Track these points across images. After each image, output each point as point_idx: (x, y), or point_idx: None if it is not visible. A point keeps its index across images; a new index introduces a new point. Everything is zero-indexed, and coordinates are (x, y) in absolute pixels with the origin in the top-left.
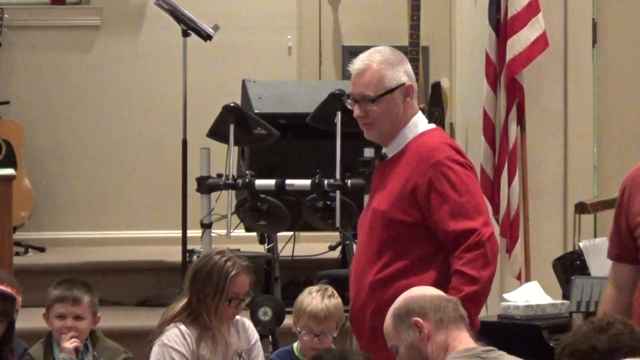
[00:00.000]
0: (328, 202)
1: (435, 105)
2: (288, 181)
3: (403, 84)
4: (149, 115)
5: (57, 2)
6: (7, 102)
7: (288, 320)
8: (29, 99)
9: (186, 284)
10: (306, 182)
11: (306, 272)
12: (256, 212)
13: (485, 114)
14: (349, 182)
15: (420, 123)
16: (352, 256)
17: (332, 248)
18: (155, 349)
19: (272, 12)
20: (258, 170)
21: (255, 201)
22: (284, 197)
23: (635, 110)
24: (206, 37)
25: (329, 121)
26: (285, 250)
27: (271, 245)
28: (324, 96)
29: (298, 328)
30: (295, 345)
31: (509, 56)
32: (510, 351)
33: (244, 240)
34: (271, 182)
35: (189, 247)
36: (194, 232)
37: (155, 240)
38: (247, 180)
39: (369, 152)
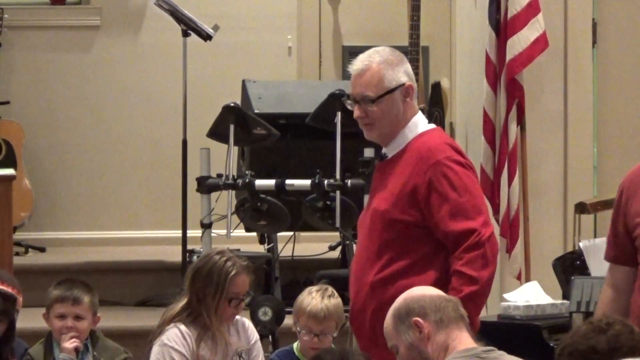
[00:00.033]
0: (328, 202)
1: (435, 105)
2: (288, 181)
3: (403, 84)
4: (149, 115)
5: (57, 2)
6: (7, 102)
7: (288, 320)
8: (29, 99)
9: (186, 284)
10: (306, 182)
11: (306, 272)
12: (256, 212)
13: (485, 114)
14: (349, 182)
15: (420, 123)
16: (352, 256)
17: (332, 248)
18: (155, 349)
19: (272, 12)
20: (258, 170)
21: (255, 201)
22: (284, 197)
23: (635, 110)
24: (206, 37)
25: (329, 121)
26: (285, 250)
27: (271, 245)
28: (324, 96)
29: (298, 328)
30: (295, 345)
31: (509, 56)
32: (510, 351)
33: (244, 240)
34: (271, 182)
35: (189, 247)
36: (194, 232)
37: (155, 240)
38: (247, 180)
39: (369, 152)
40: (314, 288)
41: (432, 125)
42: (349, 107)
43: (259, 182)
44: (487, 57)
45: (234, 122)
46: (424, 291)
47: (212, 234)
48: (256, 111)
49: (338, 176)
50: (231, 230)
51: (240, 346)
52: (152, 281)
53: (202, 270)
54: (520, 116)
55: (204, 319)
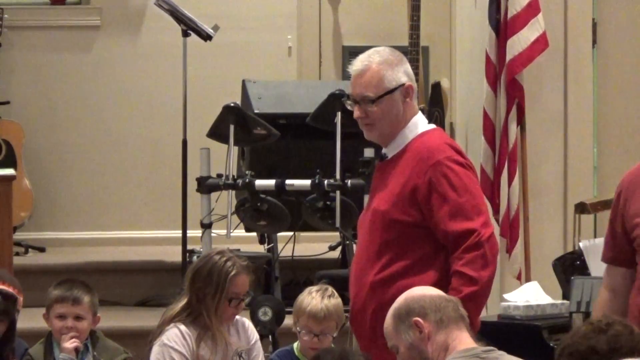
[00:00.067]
0: (328, 202)
1: (435, 105)
2: (288, 181)
3: (403, 85)
4: (149, 115)
5: (57, 2)
6: (7, 102)
7: (288, 320)
8: (29, 99)
9: (186, 284)
10: (306, 182)
11: (306, 272)
12: (256, 212)
13: (485, 114)
14: (349, 182)
15: (420, 123)
16: (352, 256)
17: (332, 248)
18: (155, 349)
19: (272, 12)
20: (258, 170)
21: (255, 201)
22: (284, 197)
23: (636, 110)
24: (206, 37)
25: (329, 121)
26: (285, 250)
27: (271, 245)
28: (324, 96)
29: (298, 328)
30: (295, 345)
31: (509, 56)
32: (510, 351)
33: (244, 240)
34: (271, 182)
35: (189, 247)
36: (194, 232)
37: (155, 240)
38: (247, 180)
39: (369, 152)
40: (314, 288)
41: (432, 126)
42: (349, 108)
43: (259, 182)
44: (487, 57)
45: (234, 122)
46: (424, 291)
47: (212, 234)
48: (256, 111)
49: (338, 176)
50: (231, 230)
51: (240, 346)
52: (152, 281)
53: (202, 270)
54: (520, 116)
55: (204, 319)
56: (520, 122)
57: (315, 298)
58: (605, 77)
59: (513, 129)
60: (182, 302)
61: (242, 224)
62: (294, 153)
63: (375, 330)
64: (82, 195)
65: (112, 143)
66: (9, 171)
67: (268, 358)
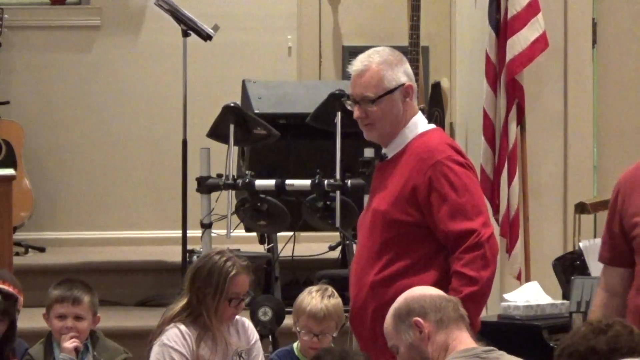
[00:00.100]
0: (328, 202)
1: (435, 105)
2: (288, 181)
3: (402, 85)
4: (149, 115)
5: (57, 2)
6: (7, 102)
7: (288, 320)
8: (29, 99)
9: (186, 284)
10: (306, 182)
11: (306, 272)
12: (256, 212)
13: (485, 114)
14: (349, 182)
15: (420, 123)
16: (352, 256)
17: (332, 248)
18: (155, 349)
19: (272, 12)
20: (258, 170)
21: (255, 201)
22: (284, 197)
23: (635, 110)
24: (206, 37)
25: (329, 121)
26: (285, 250)
27: (271, 245)
28: (324, 96)
29: (298, 328)
30: (295, 345)
31: (508, 56)
32: (510, 351)
33: (244, 240)
34: (271, 182)
35: (189, 247)
36: (194, 232)
37: (155, 240)
38: (247, 180)
39: (369, 152)
40: (313, 288)
41: (432, 126)
42: (349, 108)
43: (259, 182)
44: (487, 57)
45: (234, 122)
46: (424, 291)
47: (212, 234)
48: (256, 111)
49: (338, 176)
50: (231, 230)
51: (240, 346)
52: (152, 281)
53: (202, 270)
54: (520, 116)
55: (204, 319)
56: (520, 122)
57: (315, 298)
58: (605, 77)
59: (513, 129)
60: (182, 302)
61: (242, 224)
62: (294, 153)
63: (375, 330)
64: (82, 195)
65: (112, 143)
66: (9, 171)
67: (268, 358)
